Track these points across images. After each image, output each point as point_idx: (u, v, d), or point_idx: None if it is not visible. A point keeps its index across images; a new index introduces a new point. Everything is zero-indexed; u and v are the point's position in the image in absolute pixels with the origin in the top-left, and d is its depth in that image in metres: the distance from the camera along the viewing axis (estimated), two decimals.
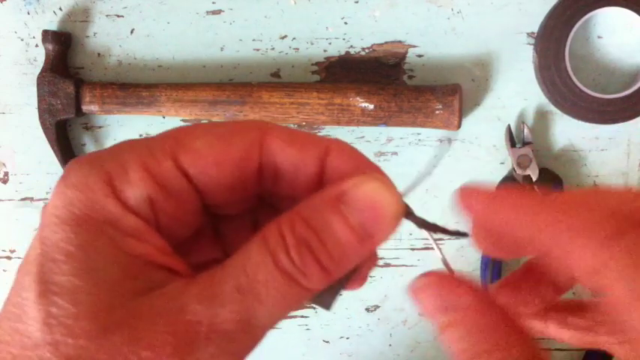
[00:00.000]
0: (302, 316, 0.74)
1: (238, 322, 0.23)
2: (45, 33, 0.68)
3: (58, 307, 0.23)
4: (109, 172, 0.25)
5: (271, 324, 0.24)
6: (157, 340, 0.23)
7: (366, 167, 0.28)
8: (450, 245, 0.70)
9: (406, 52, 0.69)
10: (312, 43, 0.70)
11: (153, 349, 0.23)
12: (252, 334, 0.24)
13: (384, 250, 0.71)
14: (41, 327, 0.23)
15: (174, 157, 0.26)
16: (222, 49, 0.70)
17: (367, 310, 0.73)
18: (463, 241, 0.70)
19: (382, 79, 0.69)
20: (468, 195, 0.29)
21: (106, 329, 0.23)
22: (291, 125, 0.70)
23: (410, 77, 0.69)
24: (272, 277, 0.24)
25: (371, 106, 0.66)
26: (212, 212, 0.29)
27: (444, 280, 0.27)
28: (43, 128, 0.69)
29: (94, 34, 0.71)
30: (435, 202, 0.70)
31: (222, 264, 0.25)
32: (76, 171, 0.25)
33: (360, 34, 0.69)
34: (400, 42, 0.69)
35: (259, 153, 0.27)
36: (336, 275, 0.25)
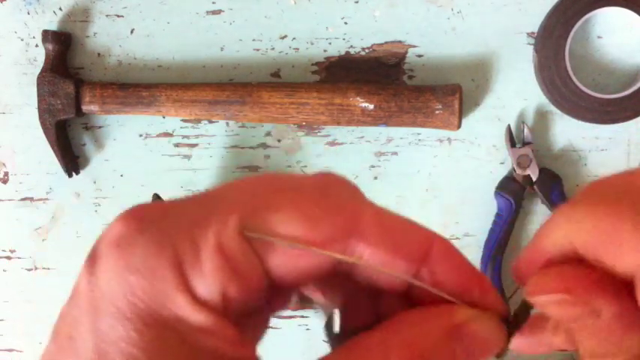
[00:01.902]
0: (302, 316, 0.74)
1: None
2: (45, 33, 0.68)
3: None
4: (179, 253, 0.21)
5: None
6: None
7: (471, 278, 0.25)
8: None
9: (406, 52, 0.69)
10: (312, 43, 0.70)
11: None
12: None
13: None
14: None
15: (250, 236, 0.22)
16: (222, 49, 0.70)
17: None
18: (463, 241, 0.70)
19: (382, 79, 0.69)
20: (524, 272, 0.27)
21: None
22: (291, 125, 0.70)
23: (410, 77, 0.69)
24: None
25: (371, 106, 0.66)
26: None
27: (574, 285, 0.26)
28: (43, 128, 0.69)
29: (94, 34, 0.71)
30: (435, 202, 0.70)
31: None
32: (143, 248, 0.21)
33: (360, 34, 0.69)
34: (400, 42, 0.69)
35: (344, 247, 0.23)
36: None
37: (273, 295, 0.26)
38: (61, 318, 0.22)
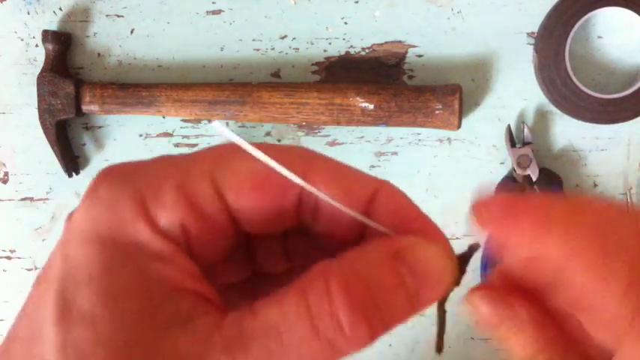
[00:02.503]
0: None
1: None
2: (45, 33, 0.68)
3: (76, 333, 0.22)
4: (142, 190, 0.23)
5: None
6: None
7: (415, 218, 0.26)
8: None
9: (406, 52, 0.69)
10: (312, 43, 0.70)
11: None
12: None
13: None
14: (56, 353, 0.22)
15: (212, 178, 0.24)
16: (222, 49, 0.70)
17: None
18: (463, 241, 0.70)
19: (382, 79, 0.69)
20: (481, 211, 0.28)
21: None
22: (291, 125, 0.70)
23: (410, 77, 0.69)
24: (307, 345, 0.22)
25: (371, 106, 0.66)
26: (243, 232, 0.27)
27: (499, 293, 0.27)
28: (43, 128, 0.69)
29: (94, 34, 0.71)
30: (435, 202, 0.70)
31: (253, 309, 0.23)
32: (106, 185, 0.24)
33: (360, 34, 0.69)
34: (400, 42, 0.69)
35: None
36: (378, 338, 0.23)
37: (251, 249, 0.28)
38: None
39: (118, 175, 0.24)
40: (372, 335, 0.22)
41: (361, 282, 0.22)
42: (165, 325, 0.22)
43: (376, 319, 0.22)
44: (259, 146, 0.25)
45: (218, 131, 0.24)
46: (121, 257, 0.23)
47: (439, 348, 0.27)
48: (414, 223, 0.26)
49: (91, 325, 0.22)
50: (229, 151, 0.25)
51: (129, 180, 0.24)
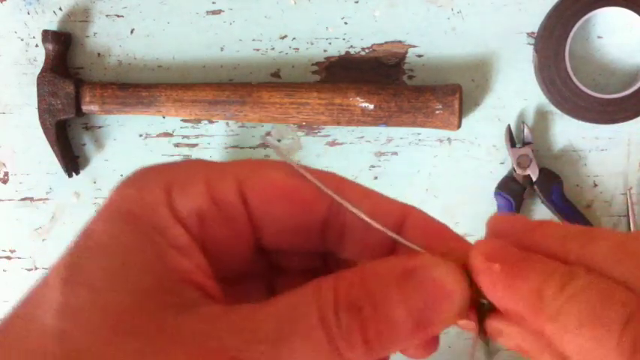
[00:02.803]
0: None
1: None
2: (45, 33, 0.68)
3: (78, 297, 0.22)
4: (171, 181, 0.24)
5: None
6: (176, 358, 0.21)
7: (448, 237, 0.26)
8: None
9: (406, 52, 0.69)
10: (312, 43, 0.70)
11: None
12: None
13: None
14: (55, 314, 0.21)
15: (238, 179, 0.25)
16: (222, 49, 0.70)
17: None
18: None
19: (382, 79, 0.69)
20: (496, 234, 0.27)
21: (121, 333, 0.21)
22: (291, 125, 0.70)
23: (410, 77, 0.69)
24: (312, 333, 0.22)
25: (371, 106, 0.66)
26: (269, 260, 0.27)
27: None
28: (43, 128, 0.69)
29: (94, 34, 0.71)
30: (435, 202, 0.70)
31: (265, 301, 0.23)
32: (141, 174, 0.25)
33: (360, 34, 0.69)
34: (400, 42, 0.69)
35: (329, 205, 0.25)
36: (378, 355, 0.23)
37: (271, 267, 0.28)
38: None
39: (153, 169, 0.25)
40: (368, 345, 0.22)
41: (363, 286, 0.23)
42: (170, 307, 0.22)
43: (372, 328, 0.22)
44: (297, 166, 0.26)
45: (271, 145, 0.26)
46: (140, 237, 0.23)
47: None
48: (447, 242, 0.25)
49: (97, 292, 0.22)
50: (261, 162, 0.26)
51: (162, 173, 0.25)
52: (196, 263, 0.24)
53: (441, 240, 0.26)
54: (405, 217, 0.26)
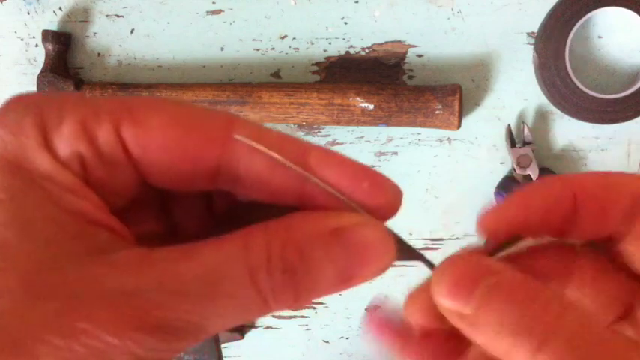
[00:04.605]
0: (302, 316, 0.74)
1: (190, 323, 0.22)
2: (45, 33, 0.68)
3: None
4: (44, 120, 0.23)
5: (218, 330, 0.23)
6: (99, 316, 0.20)
7: (357, 175, 0.26)
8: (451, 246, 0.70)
9: (406, 52, 0.69)
10: (312, 43, 0.70)
11: (91, 322, 0.20)
12: (198, 336, 0.22)
13: None
14: None
15: (117, 124, 0.23)
16: (222, 49, 0.70)
17: (367, 310, 0.73)
18: (463, 241, 0.70)
19: (382, 79, 0.69)
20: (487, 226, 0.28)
21: (37, 294, 0.20)
22: (292, 125, 0.70)
23: (410, 77, 0.69)
24: (242, 290, 0.22)
25: (371, 106, 0.66)
26: (160, 190, 0.26)
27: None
28: None
29: (94, 34, 0.71)
30: (435, 202, 0.70)
31: (186, 249, 0.22)
32: (13, 111, 0.23)
33: (360, 34, 0.69)
34: (400, 42, 0.69)
35: (219, 153, 0.24)
36: (302, 305, 0.24)
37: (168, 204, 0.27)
38: None
39: (25, 102, 0.23)
40: (297, 300, 0.23)
41: (298, 250, 0.23)
42: (83, 254, 0.21)
43: (304, 287, 0.23)
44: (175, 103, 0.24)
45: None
46: (28, 184, 0.22)
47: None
48: (363, 183, 0.25)
49: (5, 252, 0.21)
50: (147, 103, 0.24)
51: (35, 107, 0.23)
52: (95, 204, 0.23)
53: (353, 175, 0.26)
54: (306, 155, 0.25)
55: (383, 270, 0.24)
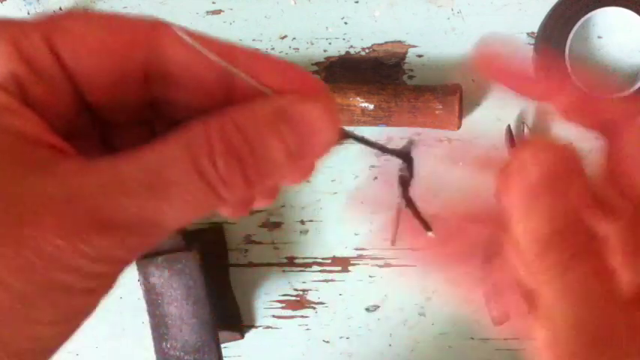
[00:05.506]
0: (302, 316, 0.74)
1: (142, 218, 0.22)
2: None
3: None
4: None
5: (175, 226, 0.23)
6: (45, 221, 0.20)
7: (284, 68, 0.26)
8: None
9: (406, 52, 0.69)
10: (312, 43, 0.70)
11: (37, 227, 0.20)
12: (154, 233, 0.23)
13: (384, 251, 0.71)
14: None
15: (46, 35, 0.23)
16: None
17: (367, 310, 0.73)
18: None
19: (382, 79, 0.69)
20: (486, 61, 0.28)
21: None
22: None
23: (410, 77, 0.69)
24: (188, 180, 0.22)
25: (371, 106, 0.66)
26: (98, 116, 0.26)
27: None
28: None
29: None
30: (435, 202, 0.70)
31: (126, 154, 0.22)
32: None
33: (360, 34, 0.69)
34: (400, 42, 0.69)
35: (146, 47, 0.24)
36: (257, 189, 0.24)
37: (103, 122, 0.27)
38: None
39: None
40: (249, 183, 0.23)
41: (240, 133, 0.23)
42: (25, 173, 0.21)
43: (252, 169, 0.23)
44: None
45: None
46: None
47: (393, 242, 0.27)
48: (294, 82, 0.25)
49: None
50: (70, 14, 0.24)
51: None
52: (34, 122, 0.23)
53: (279, 74, 0.25)
54: (232, 52, 0.25)
55: (330, 144, 0.25)
